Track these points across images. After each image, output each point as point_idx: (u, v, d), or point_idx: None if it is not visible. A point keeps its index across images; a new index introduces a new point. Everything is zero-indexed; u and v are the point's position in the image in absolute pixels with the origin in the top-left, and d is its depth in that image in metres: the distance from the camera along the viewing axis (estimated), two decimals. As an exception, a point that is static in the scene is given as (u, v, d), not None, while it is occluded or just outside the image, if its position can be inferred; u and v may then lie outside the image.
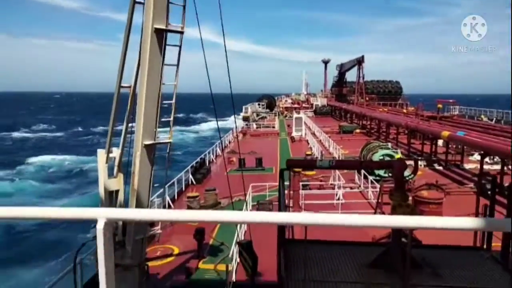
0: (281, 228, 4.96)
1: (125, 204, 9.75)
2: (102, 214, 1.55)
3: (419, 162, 24.25)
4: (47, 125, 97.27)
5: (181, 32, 7.91)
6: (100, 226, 1.51)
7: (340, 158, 27.83)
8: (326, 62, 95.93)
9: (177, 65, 8.28)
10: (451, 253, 5.92)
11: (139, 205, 8.87)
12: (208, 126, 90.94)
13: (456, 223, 1.48)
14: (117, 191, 10.04)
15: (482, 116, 47.66)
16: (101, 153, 9.73)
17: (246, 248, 7.37)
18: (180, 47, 8.11)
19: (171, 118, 8.86)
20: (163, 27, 7.34)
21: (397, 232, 5.30)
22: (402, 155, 23.36)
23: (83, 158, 50.68)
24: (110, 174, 9.98)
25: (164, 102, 8.57)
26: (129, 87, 8.80)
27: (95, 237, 5.93)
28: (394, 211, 5.15)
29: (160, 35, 7.40)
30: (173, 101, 8.68)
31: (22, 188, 36.29)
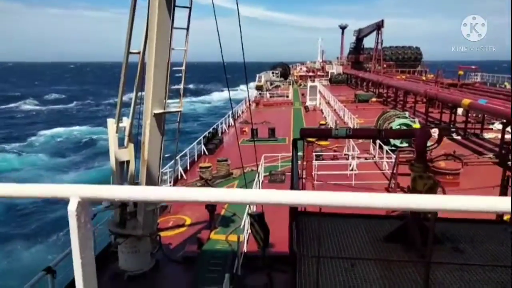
0: None
1: (136, 175, 9.70)
2: (74, 192, 1.28)
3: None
4: (59, 95, 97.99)
5: None
6: (72, 206, 1.24)
7: (356, 128, 27.29)
8: (343, 28, 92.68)
9: (187, 29, 7.88)
10: (472, 227, 5.63)
11: (149, 176, 8.78)
12: (220, 96, 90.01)
13: (490, 203, 1.15)
14: (128, 162, 9.98)
15: (506, 83, 45.66)
16: (111, 123, 9.59)
17: (257, 220, 7.23)
18: (190, 8, 7.67)
19: (181, 86, 8.57)
20: (173, -13, 6.90)
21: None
22: (420, 124, 22.63)
23: (94, 129, 50.55)
24: (121, 145, 9.90)
25: (174, 68, 8.25)
26: (138, 53, 8.50)
27: (107, 208, 5.79)
28: (414, 182, 4.84)
29: (169, -5, 6.98)
30: (183, 67, 8.35)
31: (30, 162, 35.49)
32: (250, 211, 8.94)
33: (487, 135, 25.11)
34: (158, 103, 7.87)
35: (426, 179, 4.76)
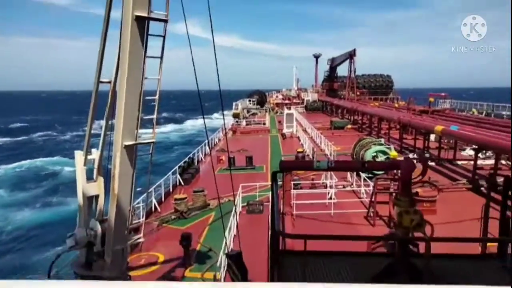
0: (276, 236, 4.33)
1: (106, 211, 9.06)
2: None
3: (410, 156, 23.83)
4: (24, 124, 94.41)
5: (165, 21, 7.19)
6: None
7: (332, 155, 27.39)
8: (317, 57, 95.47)
9: (161, 58, 7.57)
10: (464, 263, 5.39)
11: (119, 211, 8.17)
12: (194, 124, 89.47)
13: None
14: (97, 196, 9.34)
15: (474, 110, 47.72)
16: (79, 155, 9.00)
17: (235, 260, 6.74)
18: (164, 37, 7.40)
19: (155, 116, 8.16)
20: (145, 14, 6.62)
21: (404, 242, 4.74)
22: (395, 151, 22.93)
23: (57, 160, 48.32)
24: (90, 178, 9.28)
25: (147, 98, 7.88)
26: (109, 82, 8.09)
27: (71, 248, 5.16)
28: (400, 218, 4.56)
29: (142, 23, 6.69)
30: (157, 97, 7.98)
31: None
32: (226, 248, 8.42)
33: (460, 162, 25.71)
34: (129, 134, 7.42)
35: (413, 214, 4.50)
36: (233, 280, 7.03)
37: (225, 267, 9.39)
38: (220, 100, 8.29)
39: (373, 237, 9.00)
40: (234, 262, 6.76)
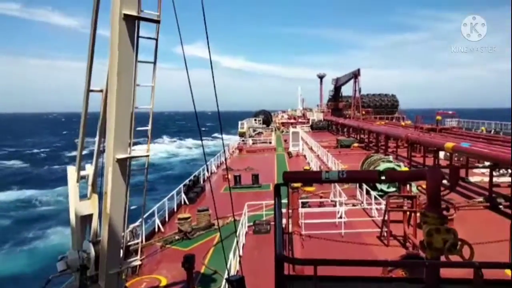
0: (279, 261, 3.67)
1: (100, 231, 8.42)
2: None
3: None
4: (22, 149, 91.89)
5: (157, 21, 6.74)
6: None
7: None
8: (321, 77, 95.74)
9: (154, 62, 7.10)
10: None
11: (113, 231, 7.54)
12: (198, 143, 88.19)
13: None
14: (90, 216, 8.73)
15: (482, 128, 46.88)
16: (71, 171, 8.46)
17: (236, 286, 6.05)
18: (157, 40, 6.94)
19: (149, 127, 7.63)
20: (134, 13, 6.17)
21: (433, 269, 4.03)
22: (406, 167, 22.14)
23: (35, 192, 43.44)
24: (84, 196, 8.71)
25: (140, 107, 7.37)
26: (101, 91, 7.63)
27: (62, 272, 4.44)
28: (430, 238, 3.87)
29: (131, 23, 6.23)
30: (151, 106, 7.48)
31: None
32: (228, 274, 7.71)
33: (472, 179, 24.78)
34: (122, 146, 6.87)
35: (445, 233, 3.81)
36: (235, 309, 6.31)
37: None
38: (219, 120, 7.64)
39: (397, 262, 8.17)
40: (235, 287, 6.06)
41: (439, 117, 38.74)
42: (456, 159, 28.50)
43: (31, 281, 19.13)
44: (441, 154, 29.19)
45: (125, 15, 6.05)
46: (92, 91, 7.16)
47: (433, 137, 28.22)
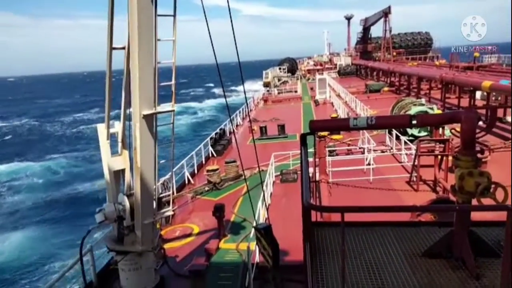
0: (306, 209, 3.69)
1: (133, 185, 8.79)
2: None
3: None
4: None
5: None
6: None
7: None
8: (348, 19, 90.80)
9: (174, 15, 6.91)
10: None
11: (145, 184, 7.84)
12: (215, 102, 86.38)
13: None
14: (123, 171, 9.09)
15: (525, 63, 43.45)
16: (101, 128, 8.68)
17: (264, 234, 6.22)
18: None
19: (173, 82, 7.60)
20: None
21: (464, 213, 3.94)
22: (439, 110, 21.26)
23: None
24: (115, 152, 9.01)
25: (163, 62, 7.30)
26: (123, 48, 7.55)
27: (101, 223, 4.77)
28: (462, 181, 3.73)
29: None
30: (173, 60, 7.39)
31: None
32: (256, 222, 7.95)
33: (510, 118, 23.56)
34: (147, 103, 6.93)
35: (478, 176, 3.65)
36: (263, 255, 6.56)
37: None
38: (240, 71, 7.40)
39: (426, 206, 8.08)
40: (263, 236, 6.25)
41: (477, 54, 35.96)
42: (493, 98, 26.96)
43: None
44: (478, 94, 27.70)
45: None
46: (114, 48, 7.09)
47: (469, 76, 26.66)
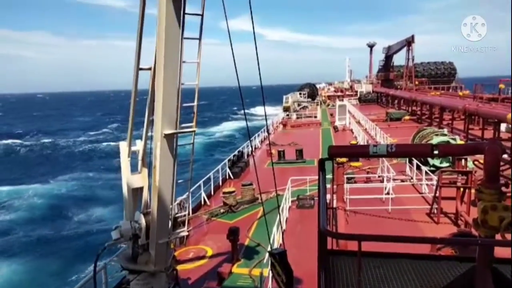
0: (322, 235, 3.63)
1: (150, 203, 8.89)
2: None
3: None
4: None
5: None
6: None
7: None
8: (371, 46, 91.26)
9: (200, 38, 7.15)
10: None
11: (162, 203, 7.91)
12: (235, 126, 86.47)
13: None
14: (141, 188, 9.22)
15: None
16: (123, 146, 8.89)
17: (279, 259, 6.12)
18: (202, 16, 6.96)
19: (195, 103, 7.76)
20: (180, -10, 6.21)
21: (487, 248, 3.79)
22: (462, 141, 20.79)
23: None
24: (134, 170, 9.18)
25: (187, 83, 7.50)
26: (149, 69, 7.81)
27: (116, 240, 4.81)
28: (485, 215, 3.61)
29: (178, 1, 6.29)
30: (197, 82, 7.59)
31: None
32: (270, 247, 7.85)
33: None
34: (169, 122, 7.09)
35: (503, 211, 3.53)
36: (276, 281, 6.43)
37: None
38: (261, 94, 7.57)
39: (447, 239, 7.81)
40: (277, 261, 6.14)
41: (502, 85, 35.41)
42: (519, 132, 26.24)
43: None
44: (503, 126, 27.02)
45: (172, -8, 6.09)
46: (141, 69, 7.36)
47: (493, 107, 26.12)
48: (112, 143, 61.45)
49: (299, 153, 25.56)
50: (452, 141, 19.86)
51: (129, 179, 8.86)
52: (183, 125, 7.89)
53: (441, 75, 72.69)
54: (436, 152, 4.16)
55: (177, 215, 10.01)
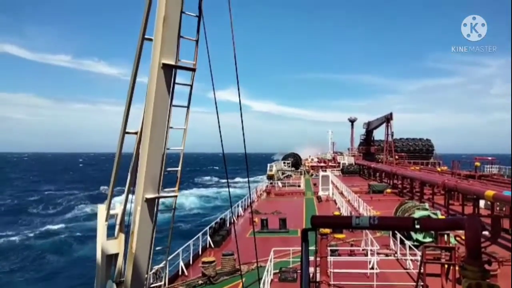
0: None
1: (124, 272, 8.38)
2: None
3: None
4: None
5: (193, 70, 7.12)
6: None
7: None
8: (352, 121, 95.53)
9: (188, 107, 7.39)
10: None
11: (137, 272, 7.48)
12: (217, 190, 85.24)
13: None
14: (116, 255, 8.76)
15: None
16: (102, 209, 8.60)
17: None
18: (191, 86, 7.29)
19: (179, 169, 7.76)
20: (172, 62, 6.56)
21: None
22: (443, 216, 20.95)
23: None
24: (111, 235, 8.79)
25: (172, 148, 7.57)
26: (136, 133, 7.91)
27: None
28: None
29: (169, 72, 6.61)
30: (182, 147, 7.67)
31: None
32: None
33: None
34: (151, 186, 7.00)
35: (487, 288, 3.48)
36: None
37: None
38: (245, 163, 7.77)
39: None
40: None
41: (477, 163, 36.94)
42: (498, 209, 26.75)
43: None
44: (482, 203, 27.56)
45: (163, 64, 6.44)
46: (128, 133, 7.46)
47: (471, 184, 26.86)
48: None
49: (283, 222, 25.14)
50: (434, 216, 19.99)
51: (105, 244, 8.44)
52: (166, 189, 7.81)
53: (420, 151, 75.64)
54: (418, 226, 4.19)
55: (152, 286, 9.41)
